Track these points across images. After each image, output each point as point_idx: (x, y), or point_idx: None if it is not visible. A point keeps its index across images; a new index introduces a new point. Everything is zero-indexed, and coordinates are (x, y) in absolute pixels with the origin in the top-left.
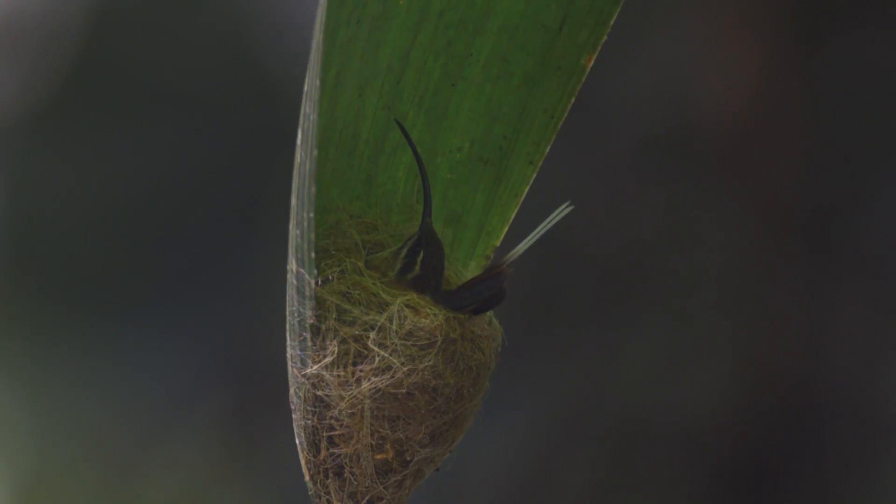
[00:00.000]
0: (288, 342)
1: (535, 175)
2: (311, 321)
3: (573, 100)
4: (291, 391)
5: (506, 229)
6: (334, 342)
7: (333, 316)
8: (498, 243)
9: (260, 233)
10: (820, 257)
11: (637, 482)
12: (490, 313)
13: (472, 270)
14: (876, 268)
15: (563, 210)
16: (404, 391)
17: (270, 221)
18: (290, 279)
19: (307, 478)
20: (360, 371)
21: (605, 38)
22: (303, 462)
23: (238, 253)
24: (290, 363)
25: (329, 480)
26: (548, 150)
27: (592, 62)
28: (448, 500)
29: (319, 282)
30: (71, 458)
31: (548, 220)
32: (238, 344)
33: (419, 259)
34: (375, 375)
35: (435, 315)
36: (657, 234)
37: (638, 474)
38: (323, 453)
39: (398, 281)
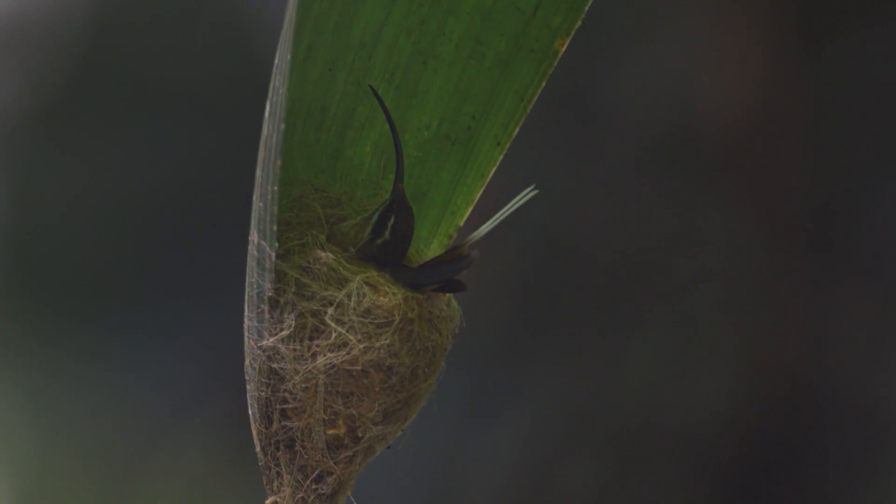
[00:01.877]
0: (245, 313)
1: (502, 156)
2: (270, 294)
3: (544, 83)
4: (247, 362)
5: (470, 209)
6: (292, 316)
7: (292, 290)
8: (461, 223)
9: None
10: (823, 259)
11: (640, 484)
12: (450, 294)
13: (433, 249)
14: (878, 269)
15: (527, 193)
16: (359, 368)
17: None
18: (251, 250)
19: (258, 448)
20: (317, 346)
21: (580, 23)
22: (254, 433)
23: (240, 256)
24: (246, 334)
25: (280, 452)
26: (516, 132)
27: (565, 47)
28: (448, 500)
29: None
30: (72, 462)
31: (512, 202)
32: (239, 348)
33: (390, 224)
34: (331, 351)
35: (394, 294)
36: (660, 236)
37: (641, 476)
38: (275, 425)
39: (366, 247)
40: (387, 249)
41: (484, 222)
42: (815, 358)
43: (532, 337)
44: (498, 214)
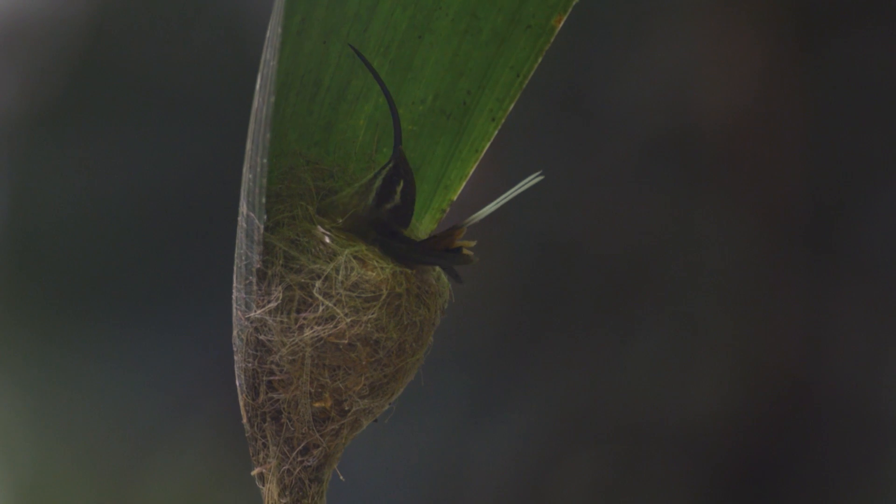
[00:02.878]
0: (234, 284)
1: (496, 132)
2: (258, 266)
3: (540, 59)
4: (234, 333)
5: (463, 184)
6: (279, 288)
7: (280, 262)
8: (454, 197)
9: None
10: (821, 259)
11: (639, 484)
12: (438, 269)
13: (425, 223)
14: (877, 270)
15: (532, 179)
16: (346, 342)
17: None
18: (240, 222)
19: (245, 420)
20: (304, 319)
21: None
22: (241, 404)
23: None
24: (234, 305)
25: (266, 424)
26: (511, 107)
27: (562, 23)
28: (448, 500)
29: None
30: (71, 461)
31: (516, 186)
32: None
33: (399, 188)
34: (318, 324)
35: (382, 268)
36: (658, 235)
37: (640, 476)
38: (262, 397)
39: (370, 214)
40: (398, 214)
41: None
42: (813, 357)
43: (531, 337)
44: (502, 197)
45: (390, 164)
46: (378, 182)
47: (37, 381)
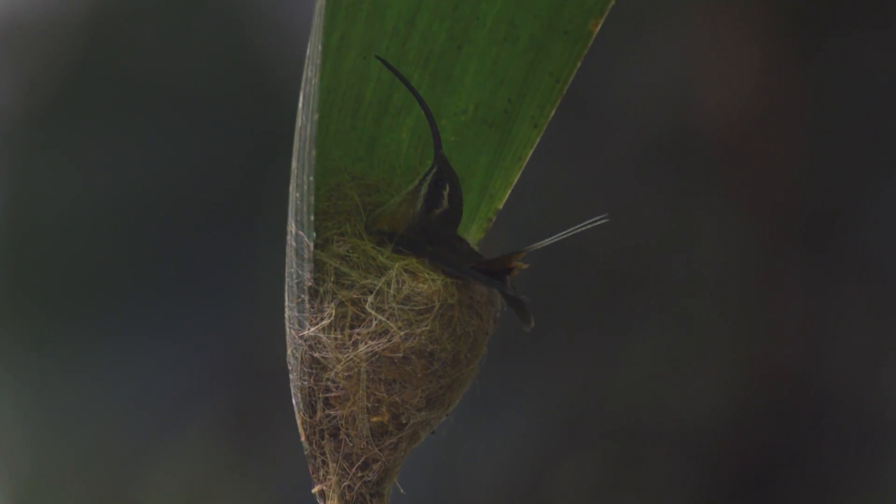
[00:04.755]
0: (286, 303)
1: (539, 138)
2: (310, 284)
3: (579, 64)
4: (289, 352)
5: (508, 192)
6: (332, 305)
7: (332, 279)
8: (500, 206)
9: (260, 235)
10: (820, 259)
11: (638, 484)
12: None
13: (473, 233)
14: (876, 270)
15: (597, 220)
16: (401, 355)
17: (270, 224)
18: (290, 241)
19: (303, 438)
20: (358, 334)
21: (613, 2)
22: (299, 422)
23: (238, 255)
24: (287, 324)
25: (325, 441)
26: (552, 113)
27: (599, 27)
28: (447, 499)
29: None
30: (70, 460)
31: (581, 224)
32: (237, 347)
33: (446, 193)
34: (372, 339)
35: (433, 280)
36: (657, 236)
37: (638, 476)
38: (319, 414)
39: (420, 221)
40: (447, 218)
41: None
42: (812, 358)
43: (530, 336)
44: (563, 233)
45: (434, 170)
46: (424, 188)
47: (35, 382)
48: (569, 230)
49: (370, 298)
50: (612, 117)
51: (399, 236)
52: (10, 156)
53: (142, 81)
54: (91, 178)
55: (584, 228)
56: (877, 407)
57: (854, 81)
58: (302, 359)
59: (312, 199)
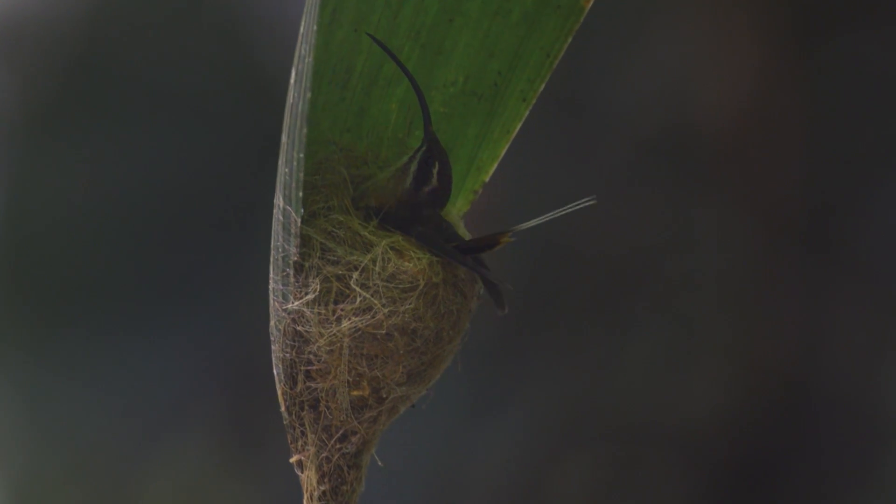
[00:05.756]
0: (271, 275)
1: (528, 112)
2: (295, 258)
3: (570, 39)
4: (272, 323)
5: (495, 165)
6: (317, 280)
7: (317, 254)
8: (487, 179)
9: (257, 235)
10: (818, 259)
11: (636, 484)
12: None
13: (459, 205)
14: (874, 269)
15: (585, 202)
16: (384, 332)
17: (268, 224)
18: (277, 215)
19: (283, 408)
20: (341, 310)
21: None
22: (279, 393)
23: (235, 256)
24: (271, 296)
25: (304, 413)
26: (542, 88)
27: (591, 5)
28: (447, 499)
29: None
30: (68, 460)
31: (567, 206)
32: (235, 347)
33: (435, 171)
34: (356, 315)
35: (419, 259)
36: (656, 236)
37: (637, 476)
38: (300, 386)
39: (409, 197)
40: (435, 196)
41: (486, 230)
42: (810, 358)
43: (529, 337)
44: (550, 214)
45: (423, 147)
46: (414, 166)
47: (33, 382)
48: (556, 211)
49: (355, 275)
50: (611, 117)
51: (386, 212)
52: (7, 156)
53: (140, 82)
54: (89, 178)
55: (571, 210)
56: (876, 407)
57: (853, 81)
58: (285, 331)
59: (301, 175)
